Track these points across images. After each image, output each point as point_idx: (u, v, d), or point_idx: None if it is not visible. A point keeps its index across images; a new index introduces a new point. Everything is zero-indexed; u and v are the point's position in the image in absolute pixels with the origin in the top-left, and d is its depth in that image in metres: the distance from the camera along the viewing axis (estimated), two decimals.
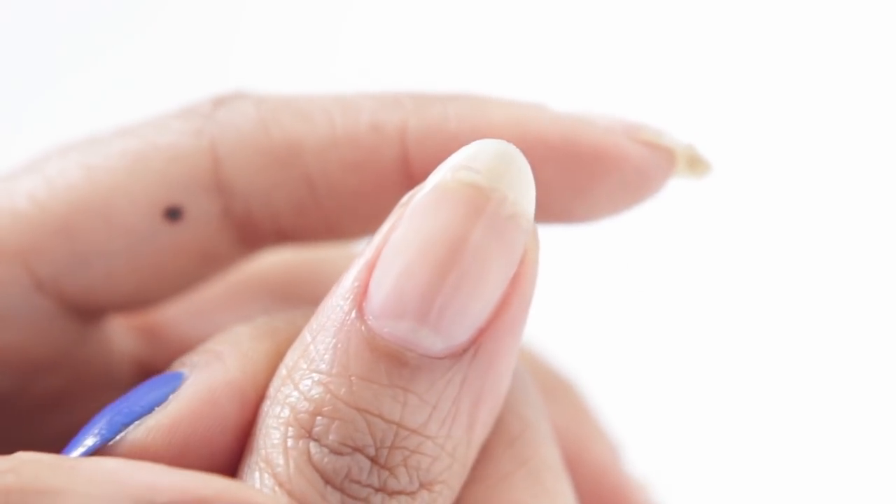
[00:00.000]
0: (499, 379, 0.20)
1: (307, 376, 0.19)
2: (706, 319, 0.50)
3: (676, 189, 0.23)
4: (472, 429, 0.20)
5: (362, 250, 0.20)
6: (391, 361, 0.19)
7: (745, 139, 0.54)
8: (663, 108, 0.55)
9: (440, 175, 0.19)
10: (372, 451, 0.19)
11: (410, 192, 0.20)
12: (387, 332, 0.19)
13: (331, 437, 0.19)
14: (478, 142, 0.20)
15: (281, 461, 0.19)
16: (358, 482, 0.19)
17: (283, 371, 0.20)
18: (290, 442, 0.19)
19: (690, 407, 0.46)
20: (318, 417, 0.19)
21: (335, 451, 0.19)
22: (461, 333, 0.19)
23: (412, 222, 0.19)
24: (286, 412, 0.19)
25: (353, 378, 0.19)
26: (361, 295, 0.19)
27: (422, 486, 0.19)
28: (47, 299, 0.23)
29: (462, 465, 0.20)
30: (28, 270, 0.23)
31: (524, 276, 0.20)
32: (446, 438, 0.19)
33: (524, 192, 0.19)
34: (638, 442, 0.32)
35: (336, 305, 0.20)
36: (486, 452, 0.21)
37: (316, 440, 0.19)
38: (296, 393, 0.19)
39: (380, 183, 0.23)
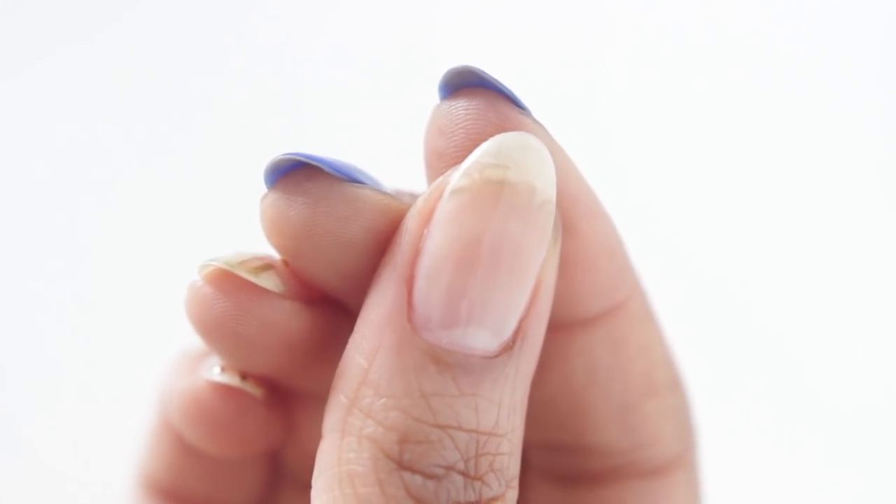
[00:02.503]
0: (537, 359, 0.20)
1: (377, 403, 0.19)
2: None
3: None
4: (524, 414, 0.20)
5: (393, 263, 0.20)
6: (456, 370, 0.19)
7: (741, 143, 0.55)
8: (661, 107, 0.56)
9: (466, 175, 0.19)
10: (462, 466, 0.19)
11: (427, 195, 0.20)
12: (446, 342, 0.19)
13: (423, 463, 0.18)
14: (497, 137, 0.20)
15: (381, 501, 0.18)
16: (458, 502, 0.19)
17: (340, 400, 0.19)
18: (383, 478, 0.18)
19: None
20: (405, 444, 0.18)
21: (431, 476, 0.18)
22: (510, 327, 0.19)
23: (448, 229, 0.19)
24: (368, 446, 0.19)
25: (427, 397, 0.19)
26: (410, 310, 0.19)
27: (507, 486, 0.19)
28: None
29: (520, 453, 0.20)
30: None
31: (551, 259, 0.20)
32: (513, 431, 0.19)
33: (548, 179, 0.20)
34: None
35: (387, 325, 0.19)
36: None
37: (408, 468, 0.18)
38: (371, 423, 0.19)
39: None
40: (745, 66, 0.56)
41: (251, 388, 0.24)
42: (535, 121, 0.21)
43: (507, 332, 0.19)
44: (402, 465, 0.18)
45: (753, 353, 0.51)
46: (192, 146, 0.57)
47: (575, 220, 0.22)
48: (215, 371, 0.24)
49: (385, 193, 0.21)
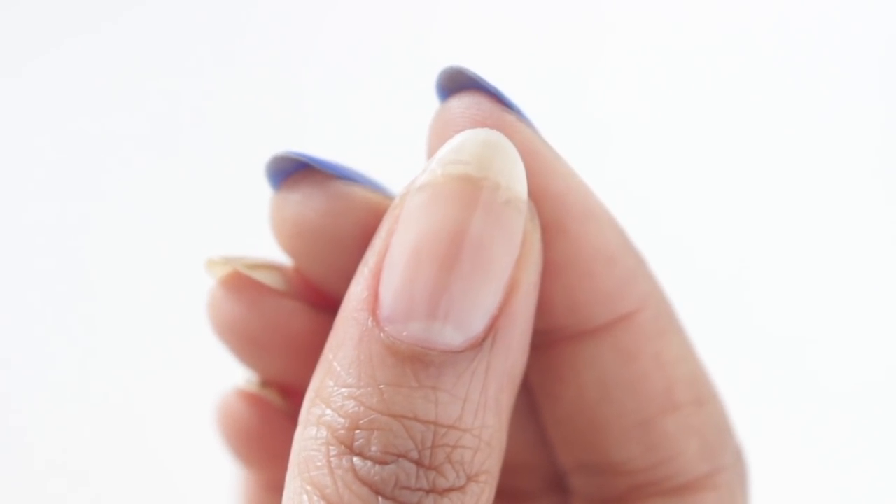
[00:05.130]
0: (518, 361, 0.20)
1: (336, 393, 0.19)
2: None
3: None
4: (502, 413, 0.20)
5: (365, 259, 0.20)
6: (415, 363, 0.19)
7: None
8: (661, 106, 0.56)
9: (429, 172, 0.19)
10: (415, 455, 0.19)
11: (402, 193, 0.20)
12: (405, 335, 0.19)
13: (373, 449, 0.19)
14: (461, 133, 0.20)
15: (329, 482, 0.19)
16: (408, 488, 0.19)
17: (310, 394, 0.20)
18: (333, 461, 0.19)
19: None
20: (357, 431, 0.19)
21: (380, 462, 0.19)
22: (476, 324, 0.19)
23: (410, 224, 0.19)
24: (323, 432, 0.19)
25: (382, 386, 0.19)
26: (374, 303, 0.19)
27: (469, 479, 0.19)
28: None
29: (499, 451, 0.20)
30: None
31: (527, 258, 0.20)
32: (482, 428, 0.19)
33: (515, 176, 0.20)
34: None
35: (351, 318, 0.19)
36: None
37: (359, 454, 0.19)
38: (329, 411, 0.19)
39: None
40: (742, 64, 0.55)
41: (271, 397, 0.25)
42: (520, 118, 0.21)
43: (475, 329, 0.19)
44: (352, 451, 0.19)
45: (757, 354, 0.50)
46: (193, 146, 0.57)
47: (564, 222, 0.21)
48: (242, 379, 0.25)
49: (376, 191, 0.21)
